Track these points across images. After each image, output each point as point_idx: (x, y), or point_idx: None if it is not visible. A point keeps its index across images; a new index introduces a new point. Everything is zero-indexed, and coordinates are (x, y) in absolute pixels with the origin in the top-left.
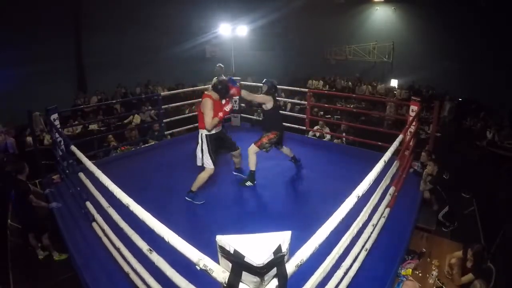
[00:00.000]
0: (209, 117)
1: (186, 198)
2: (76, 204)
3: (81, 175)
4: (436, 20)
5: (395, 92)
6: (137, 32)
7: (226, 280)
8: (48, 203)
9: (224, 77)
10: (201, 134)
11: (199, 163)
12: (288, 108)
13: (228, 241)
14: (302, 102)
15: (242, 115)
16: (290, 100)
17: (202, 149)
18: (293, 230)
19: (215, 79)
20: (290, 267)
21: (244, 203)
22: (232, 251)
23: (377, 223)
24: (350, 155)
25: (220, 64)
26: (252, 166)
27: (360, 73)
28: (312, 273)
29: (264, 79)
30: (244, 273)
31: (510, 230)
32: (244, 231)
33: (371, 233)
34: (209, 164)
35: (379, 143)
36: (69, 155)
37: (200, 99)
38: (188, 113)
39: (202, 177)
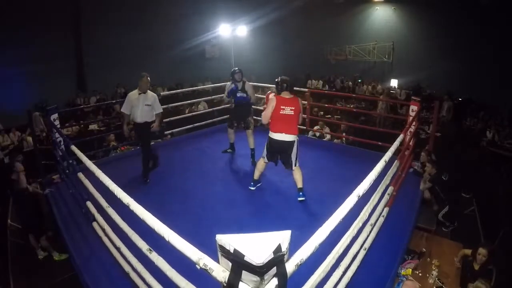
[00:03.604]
0: None
1: (301, 198)
2: (76, 204)
3: (81, 175)
4: (436, 20)
5: (392, 92)
6: (137, 32)
7: (226, 280)
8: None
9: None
10: (296, 139)
11: (294, 167)
12: None
13: (228, 240)
14: (302, 101)
15: None
16: None
17: (297, 153)
18: (293, 229)
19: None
20: (290, 266)
21: (244, 202)
22: (232, 250)
23: (375, 223)
24: (350, 155)
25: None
26: None
27: (360, 73)
28: (312, 273)
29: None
30: (244, 272)
31: (510, 230)
32: (244, 230)
33: (370, 232)
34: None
35: (379, 143)
36: (69, 155)
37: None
38: (188, 113)
39: (300, 174)
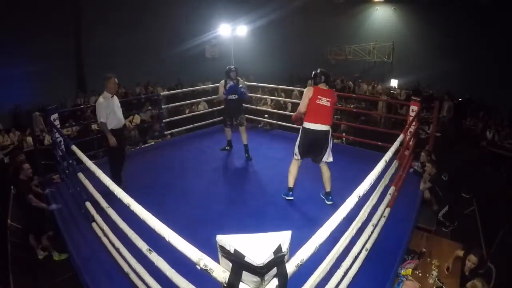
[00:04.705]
0: None
1: (329, 202)
2: (76, 204)
3: (81, 175)
4: (436, 20)
5: (392, 92)
6: (137, 32)
7: (226, 280)
8: (48, 205)
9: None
10: (331, 130)
11: (330, 159)
12: (289, 108)
13: (228, 240)
14: None
15: None
16: (290, 100)
17: (331, 146)
18: (293, 230)
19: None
20: (291, 266)
21: (245, 202)
22: (232, 251)
23: (377, 223)
24: (350, 155)
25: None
26: None
27: (360, 73)
28: (312, 273)
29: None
30: (244, 272)
31: (510, 231)
32: (244, 230)
33: (371, 233)
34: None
35: (379, 143)
36: (69, 155)
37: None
38: (188, 113)
39: (330, 174)
